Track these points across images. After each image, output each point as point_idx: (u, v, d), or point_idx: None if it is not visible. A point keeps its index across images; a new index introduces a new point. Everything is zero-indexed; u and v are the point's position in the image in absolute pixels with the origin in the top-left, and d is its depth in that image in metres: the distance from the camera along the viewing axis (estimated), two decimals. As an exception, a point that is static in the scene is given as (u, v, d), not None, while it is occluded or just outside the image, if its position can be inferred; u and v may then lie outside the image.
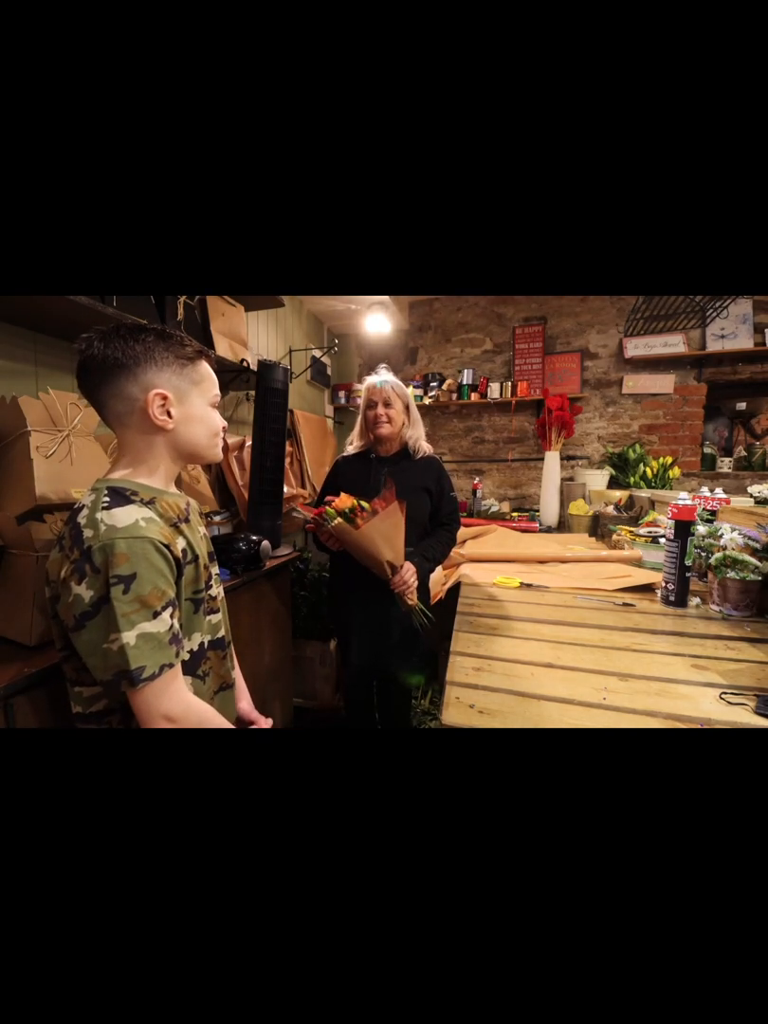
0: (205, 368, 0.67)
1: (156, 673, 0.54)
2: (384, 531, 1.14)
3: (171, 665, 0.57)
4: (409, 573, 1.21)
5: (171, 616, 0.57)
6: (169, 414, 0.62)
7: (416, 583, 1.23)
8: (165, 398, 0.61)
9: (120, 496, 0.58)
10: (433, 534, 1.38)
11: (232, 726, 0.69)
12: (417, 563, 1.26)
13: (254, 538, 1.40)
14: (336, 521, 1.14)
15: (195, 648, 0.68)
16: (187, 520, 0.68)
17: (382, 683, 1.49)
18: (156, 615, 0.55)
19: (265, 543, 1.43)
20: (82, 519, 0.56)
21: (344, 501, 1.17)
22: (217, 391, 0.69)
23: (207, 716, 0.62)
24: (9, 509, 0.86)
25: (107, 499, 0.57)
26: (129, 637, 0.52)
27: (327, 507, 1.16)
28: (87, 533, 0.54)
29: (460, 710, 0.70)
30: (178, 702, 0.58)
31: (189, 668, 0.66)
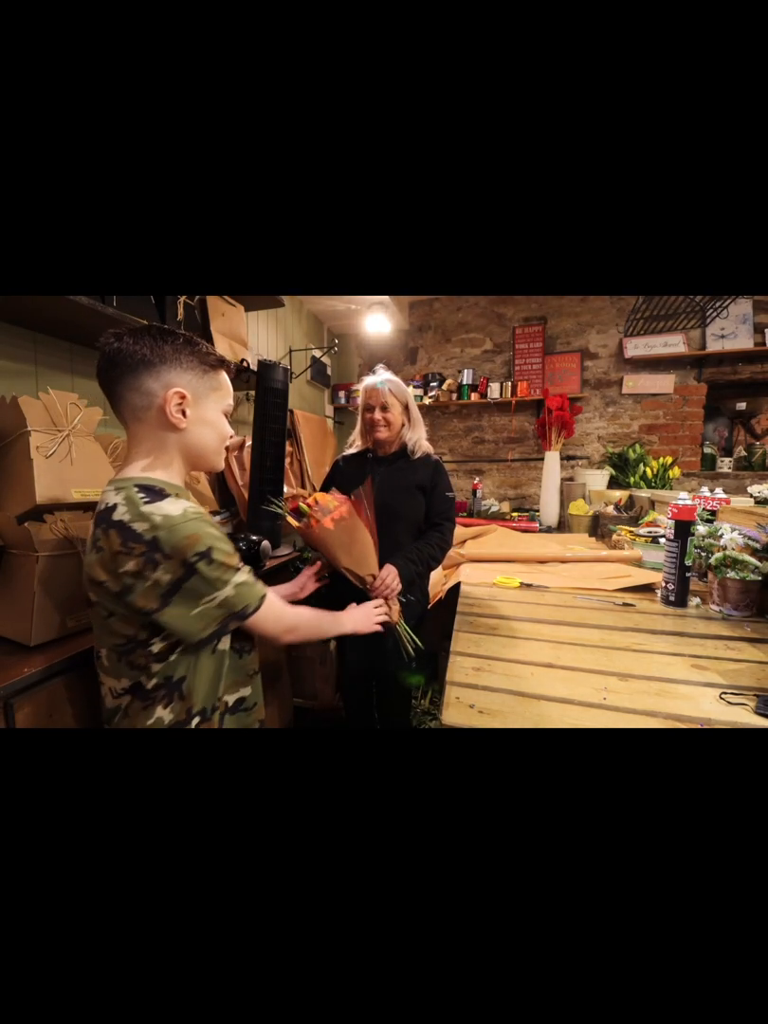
0: (224, 377, 0.71)
1: (258, 605, 0.65)
2: (339, 538, 1.05)
3: (265, 596, 0.67)
4: (390, 576, 1.12)
5: (246, 566, 0.66)
6: (184, 413, 0.64)
7: (398, 587, 1.13)
8: (183, 397, 0.64)
9: (154, 492, 0.61)
10: (424, 536, 1.33)
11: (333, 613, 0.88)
12: (401, 566, 1.17)
13: (254, 538, 1.40)
14: (289, 518, 1.06)
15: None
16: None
17: (382, 683, 1.48)
18: (237, 569, 0.63)
19: (265, 543, 1.43)
20: (126, 516, 0.58)
21: (317, 499, 1.07)
22: (231, 401, 0.72)
23: (314, 616, 0.79)
24: (9, 509, 0.86)
25: (144, 495, 0.59)
26: (228, 590, 0.61)
27: (300, 502, 1.07)
28: (141, 526, 0.57)
29: (460, 710, 0.70)
30: (288, 615, 0.73)
31: (234, 639, 0.72)
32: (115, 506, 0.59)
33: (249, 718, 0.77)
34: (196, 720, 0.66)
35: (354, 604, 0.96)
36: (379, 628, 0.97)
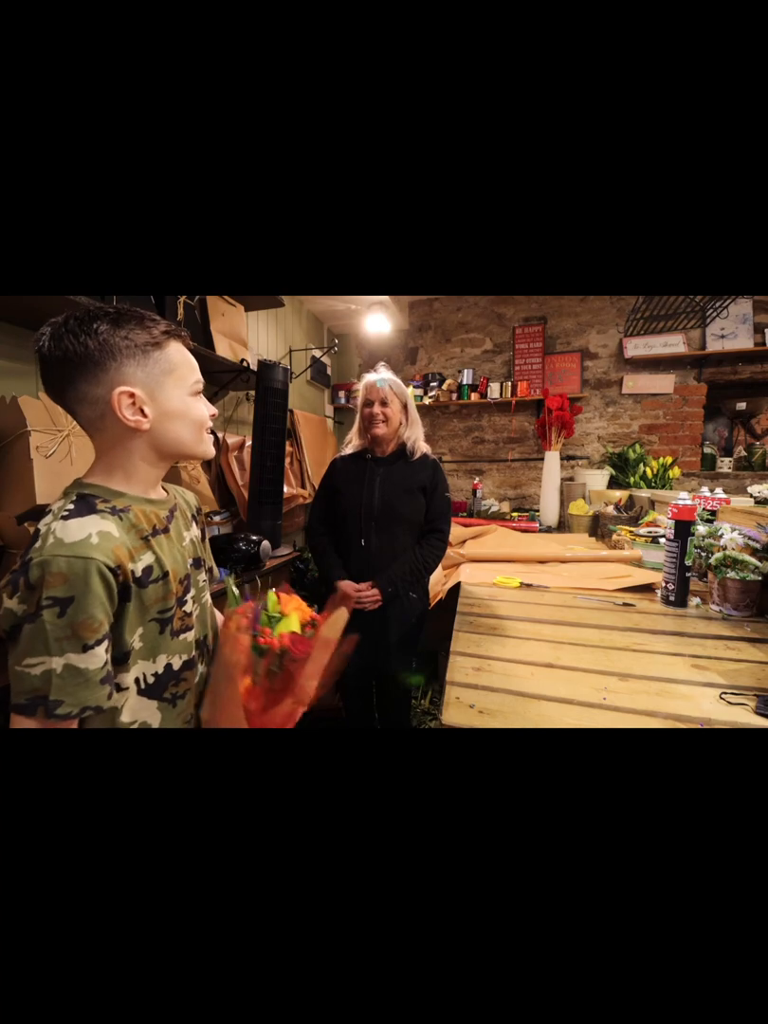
0: (176, 351, 0.58)
1: (75, 713, 0.48)
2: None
3: (100, 709, 0.50)
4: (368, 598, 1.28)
5: (106, 651, 0.51)
6: (143, 413, 0.55)
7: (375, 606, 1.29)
8: (133, 396, 0.54)
9: (86, 504, 0.53)
10: (424, 538, 1.35)
11: None
12: (382, 587, 1.27)
13: (254, 538, 1.40)
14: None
15: (160, 671, 0.60)
16: (166, 530, 0.62)
17: (382, 683, 1.49)
18: (87, 648, 0.49)
19: (265, 543, 1.43)
20: (42, 525, 0.51)
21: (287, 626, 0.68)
22: (197, 376, 0.61)
23: None
24: (9, 509, 0.86)
25: (71, 507, 0.52)
26: (57, 664, 0.47)
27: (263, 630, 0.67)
28: (36, 544, 0.49)
29: (460, 710, 0.70)
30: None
31: (154, 692, 0.59)
32: (51, 511, 0.53)
33: None
34: None
35: None
36: None
